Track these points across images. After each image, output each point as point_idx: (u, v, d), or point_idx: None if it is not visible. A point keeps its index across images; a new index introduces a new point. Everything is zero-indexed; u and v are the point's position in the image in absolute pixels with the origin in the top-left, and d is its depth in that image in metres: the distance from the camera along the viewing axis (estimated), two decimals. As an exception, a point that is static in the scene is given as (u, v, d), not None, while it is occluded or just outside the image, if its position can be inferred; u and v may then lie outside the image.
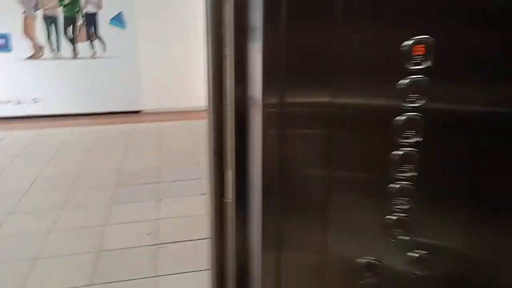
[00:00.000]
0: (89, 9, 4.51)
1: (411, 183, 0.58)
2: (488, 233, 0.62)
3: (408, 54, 0.53)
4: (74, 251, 2.31)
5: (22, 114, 4.61)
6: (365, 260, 0.60)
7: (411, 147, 0.56)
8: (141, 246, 2.35)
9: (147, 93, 4.69)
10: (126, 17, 4.54)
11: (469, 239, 0.62)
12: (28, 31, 4.50)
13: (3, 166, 3.44)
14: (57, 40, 4.59)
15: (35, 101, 4.62)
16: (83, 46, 4.63)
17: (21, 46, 4.51)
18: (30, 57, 4.58)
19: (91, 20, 4.53)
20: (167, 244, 2.36)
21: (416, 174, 0.57)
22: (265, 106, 0.53)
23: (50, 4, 4.46)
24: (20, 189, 2.99)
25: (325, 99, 0.54)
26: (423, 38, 0.52)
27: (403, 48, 0.53)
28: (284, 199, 0.57)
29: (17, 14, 4.44)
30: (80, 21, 4.55)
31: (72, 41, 4.61)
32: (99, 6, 4.51)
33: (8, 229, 2.50)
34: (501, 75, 0.55)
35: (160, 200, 2.86)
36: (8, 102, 4.59)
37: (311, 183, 0.57)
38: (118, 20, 4.55)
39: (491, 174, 0.59)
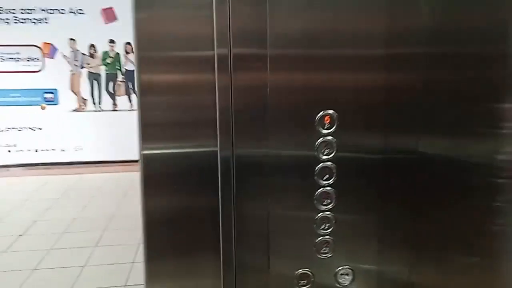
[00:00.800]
0: (129, 67, 5.00)
1: (331, 213, 0.79)
2: (397, 254, 0.82)
3: (320, 121, 0.76)
4: (104, 286, 2.55)
5: (65, 161, 5.04)
6: (301, 271, 0.81)
7: (329, 186, 0.78)
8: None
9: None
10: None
11: (382, 259, 0.82)
12: (74, 86, 5.01)
13: (46, 207, 3.79)
14: (99, 95, 5.07)
15: (77, 149, 5.05)
16: (122, 100, 5.10)
17: (67, 99, 5.01)
18: (75, 110, 5.06)
19: (130, 76, 5.01)
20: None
21: (333, 206, 0.79)
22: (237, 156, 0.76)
23: (94, 63, 4.98)
24: (60, 228, 3.30)
25: (262, 150, 0.77)
26: (329, 112, 0.76)
27: (317, 117, 0.76)
28: (241, 237, 0.78)
29: (65, 72, 4.97)
30: (120, 78, 5.04)
31: (112, 95, 5.08)
32: (136, 64, 4.99)
33: (47, 263, 2.78)
34: (388, 131, 0.77)
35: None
36: (53, 149, 5.04)
37: (258, 217, 0.79)
38: (153, 76, 5.00)
39: (392, 203, 0.80)
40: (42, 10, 4.90)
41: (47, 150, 5.03)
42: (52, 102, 5.00)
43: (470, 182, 0.80)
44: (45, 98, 5.00)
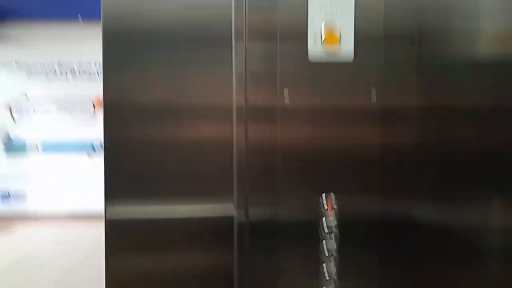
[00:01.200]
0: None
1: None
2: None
3: (323, 204, 0.81)
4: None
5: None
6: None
7: (332, 256, 0.81)
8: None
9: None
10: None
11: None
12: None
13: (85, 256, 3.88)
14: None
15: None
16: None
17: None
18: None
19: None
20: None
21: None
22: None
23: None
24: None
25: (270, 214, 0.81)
26: (330, 195, 0.80)
27: (320, 200, 0.80)
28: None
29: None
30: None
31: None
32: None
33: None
34: (386, 206, 0.80)
35: None
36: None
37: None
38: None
39: (391, 271, 0.81)
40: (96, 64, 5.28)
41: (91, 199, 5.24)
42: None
43: (467, 247, 0.80)
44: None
